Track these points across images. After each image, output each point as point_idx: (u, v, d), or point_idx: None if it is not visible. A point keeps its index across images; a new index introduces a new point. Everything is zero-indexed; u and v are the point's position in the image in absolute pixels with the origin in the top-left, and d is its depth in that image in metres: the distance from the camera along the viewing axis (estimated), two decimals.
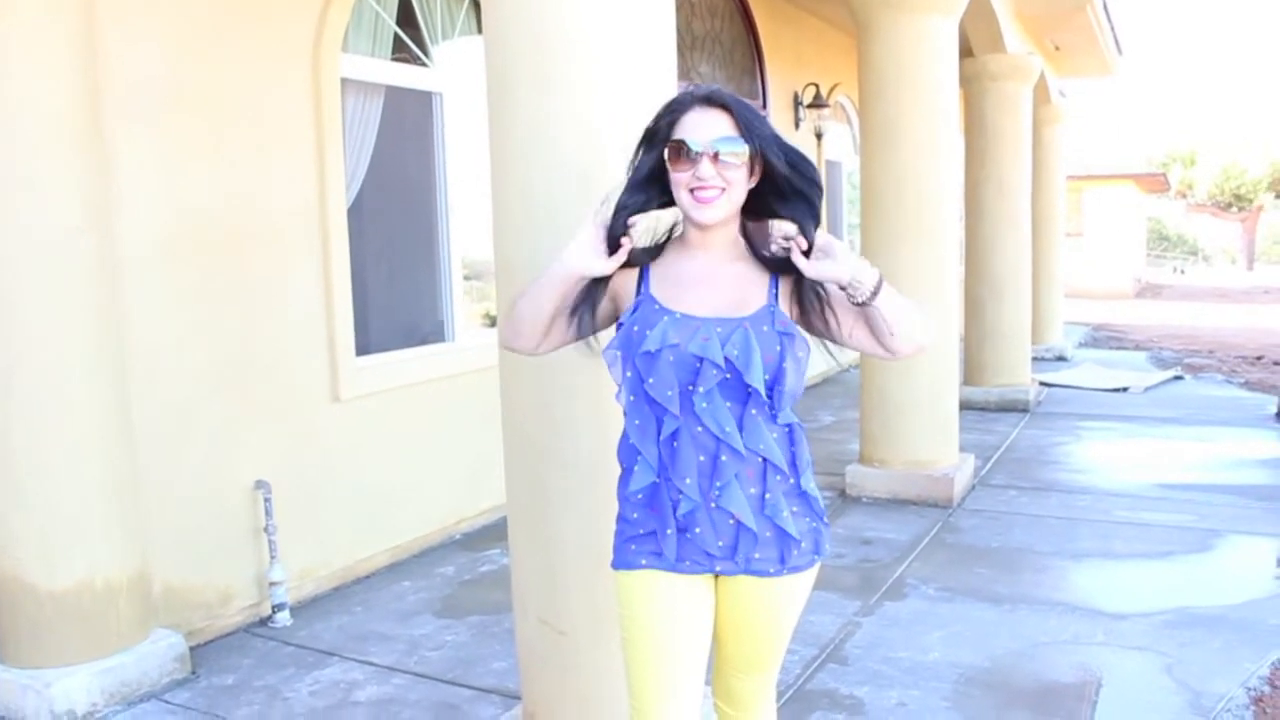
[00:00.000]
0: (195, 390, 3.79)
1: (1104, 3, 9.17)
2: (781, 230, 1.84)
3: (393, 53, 4.79)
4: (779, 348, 1.79)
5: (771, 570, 1.87)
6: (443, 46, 5.09)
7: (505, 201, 2.58)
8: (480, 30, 2.67)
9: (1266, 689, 3.24)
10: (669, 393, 1.79)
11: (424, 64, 4.97)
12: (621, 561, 1.92)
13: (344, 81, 4.43)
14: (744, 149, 1.78)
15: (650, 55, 2.51)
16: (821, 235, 1.79)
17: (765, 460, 1.82)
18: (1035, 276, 9.64)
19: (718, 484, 1.80)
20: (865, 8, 5.48)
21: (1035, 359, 9.39)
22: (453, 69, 5.12)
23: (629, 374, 1.84)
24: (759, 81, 8.34)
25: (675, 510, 1.83)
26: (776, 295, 1.85)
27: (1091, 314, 17.09)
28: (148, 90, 3.60)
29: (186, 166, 3.74)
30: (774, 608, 1.92)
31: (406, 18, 4.87)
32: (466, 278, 5.35)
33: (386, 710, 3.26)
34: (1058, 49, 10.17)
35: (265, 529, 4.00)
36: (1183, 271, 34.51)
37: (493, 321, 5.15)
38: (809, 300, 1.85)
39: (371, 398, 4.56)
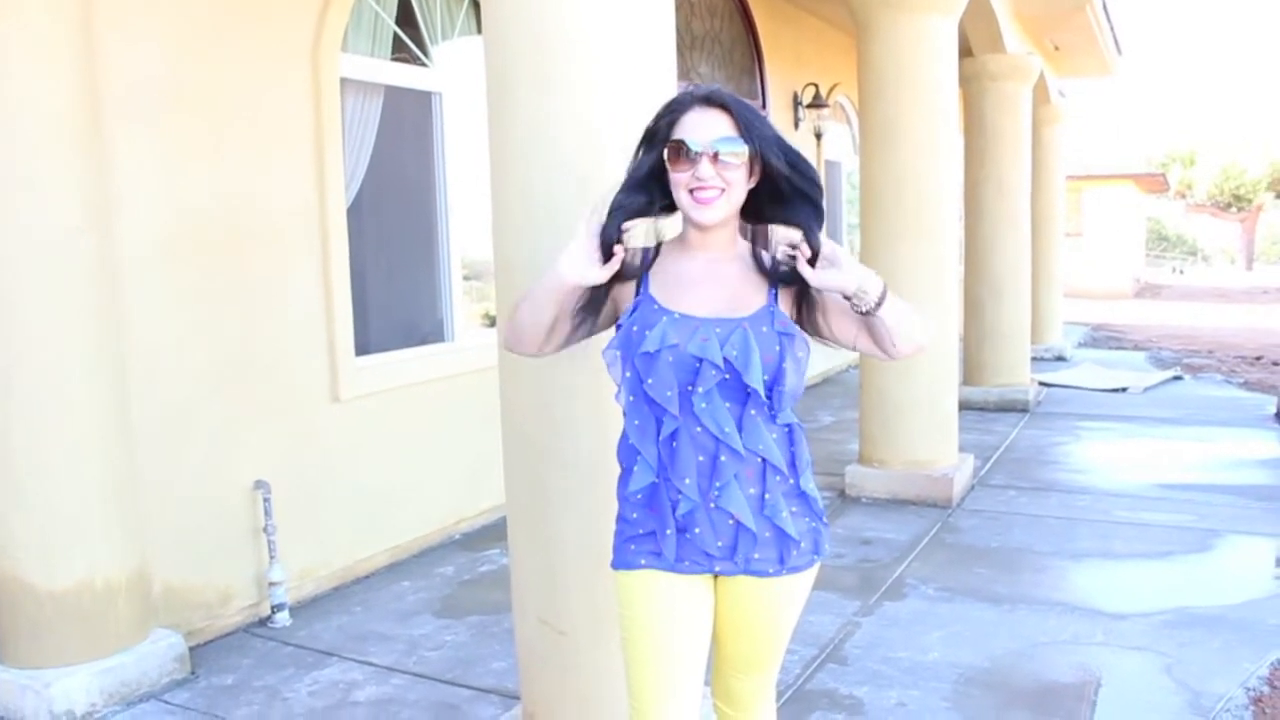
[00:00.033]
0: (195, 390, 3.79)
1: (1103, 3, 9.17)
2: (786, 238, 1.83)
3: (392, 53, 4.79)
4: (778, 348, 1.79)
5: (771, 570, 1.87)
6: (442, 46, 5.09)
7: (505, 201, 2.58)
8: (480, 30, 2.67)
9: (1266, 689, 3.24)
10: (668, 393, 1.79)
11: (423, 64, 4.97)
12: (621, 561, 1.92)
13: (343, 81, 4.43)
14: (744, 149, 1.77)
15: (650, 55, 2.51)
16: (827, 244, 1.77)
17: (764, 460, 1.81)
18: (1034, 276, 9.64)
19: (717, 484, 1.80)
20: (864, 7, 5.48)
21: (1034, 359, 9.39)
22: (452, 69, 5.12)
23: (628, 374, 1.84)
24: (758, 81, 8.34)
25: (675, 510, 1.83)
26: (776, 296, 1.85)
27: (1091, 314, 17.10)
28: (147, 90, 3.60)
29: (186, 166, 3.74)
30: (773, 608, 1.93)
31: (406, 18, 4.87)
32: (466, 278, 5.35)
33: (386, 710, 3.26)
34: (1057, 49, 10.17)
35: (265, 529, 4.00)
36: (1182, 272, 34.52)
37: (492, 321, 5.15)
38: (809, 302, 1.85)
39: (371, 398, 4.56)
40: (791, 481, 1.86)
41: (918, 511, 5.30)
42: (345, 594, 4.32)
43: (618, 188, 1.85)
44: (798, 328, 1.85)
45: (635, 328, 1.82)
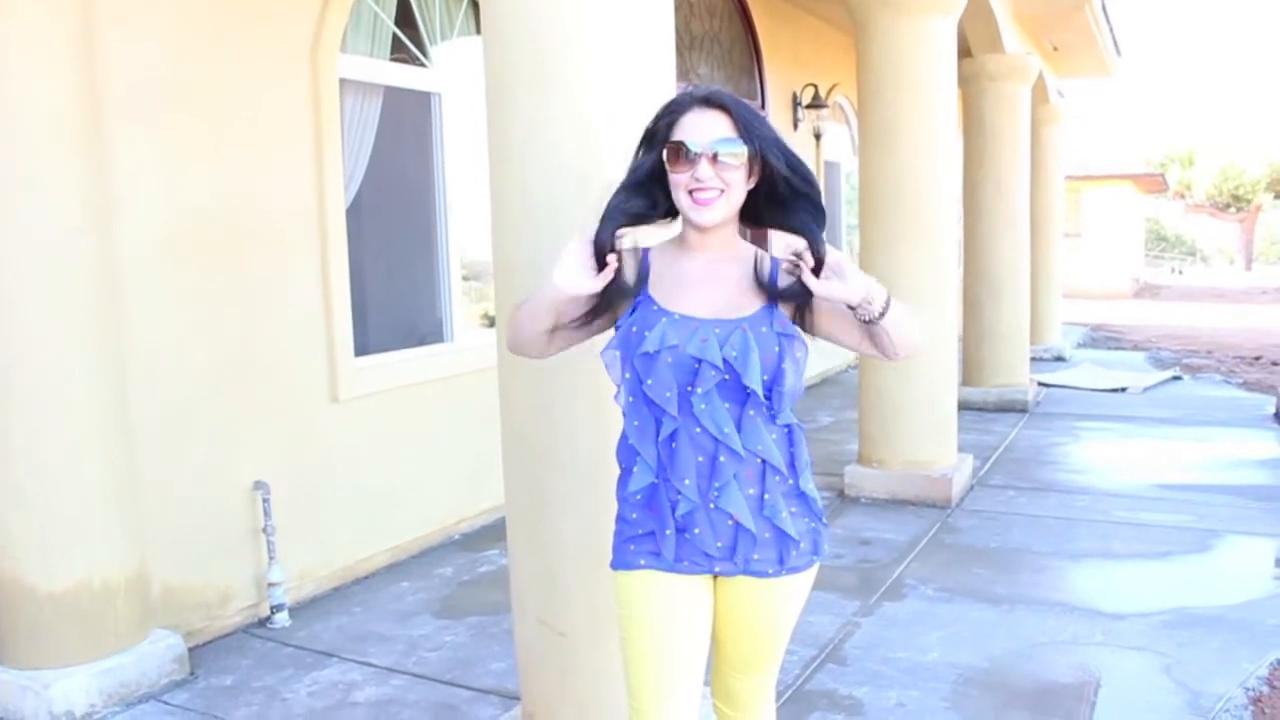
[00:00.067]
0: (195, 390, 3.79)
1: (1102, 3, 9.18)
2: (790, 247, 1.81)
3: (391, 53, 4.79)
4: (778, 349, 1.79)
5: (770, 571, 1.87)
6: (441, 47, 5.10)
7: (504, 201, 2.58)
8: (479, 30, 2.67)
9: (1265, 689, 3.24)
10: (667, 394, 1.79)
11: (422, 64, 4.97)
12: (620, 562, 1.92)
13: (342, 82, 4.43)
14: (743, 150, 1.77)
15: (649, 55, 2.51)
16: (832, 254, 1.76)
17: (764, 461, 1.82)
18: (1034, 277, 9.64)
19: (716, 485, 1.80)
20: (864, 8, 5.49)
21: (1033, 359, 9.39)
22: (451, 69, 5.12)
23: (628, 375, 1.84)
24: (757, 82, 8.34)
25: (674, 511, 1.83)
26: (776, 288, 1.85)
27: (1090, 314, 17.11)
28: (147, 90, 3.60)
29: (186, 166, 3.74)
30: (773, 608, 1.93)
31: (405, 18, 4.87)
32: (465, 278, 5.35)
33: (385, 711, 3.26)
34: (1056, 49, 10.18)
35: (264, 529, 4.00)
36: (1181, 272, 34.54)
37: (492, 322, 5.15)
38: (809, 305, 1.85)
39: (370, 398, 4.56)
40: (791, 482, 1.86)
41: (917, 512, 5.31)
42: (345, 594, 4.32)
43: (615, 188, 1.85)
44: (797, 328, 1.85)
45: (635, 328, 1.82)
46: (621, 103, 2.41)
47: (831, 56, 9.54)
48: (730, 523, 1.82)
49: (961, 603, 4.04)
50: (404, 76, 4.86)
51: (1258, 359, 11.20)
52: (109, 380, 3.30)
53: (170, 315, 3.70)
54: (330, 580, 4.37)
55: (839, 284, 1.75)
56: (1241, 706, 3.13)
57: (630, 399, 1.85)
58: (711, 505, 1.81)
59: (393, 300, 5.08)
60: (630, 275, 1.86)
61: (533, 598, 2.68)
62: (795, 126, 8.97)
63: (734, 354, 1.76)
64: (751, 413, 1.80)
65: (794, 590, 1.92)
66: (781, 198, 1.82)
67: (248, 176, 3.97)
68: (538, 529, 2.63)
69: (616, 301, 1.87)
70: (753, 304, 1.83)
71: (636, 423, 1.84)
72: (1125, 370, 10.30)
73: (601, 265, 1.79)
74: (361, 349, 4.56)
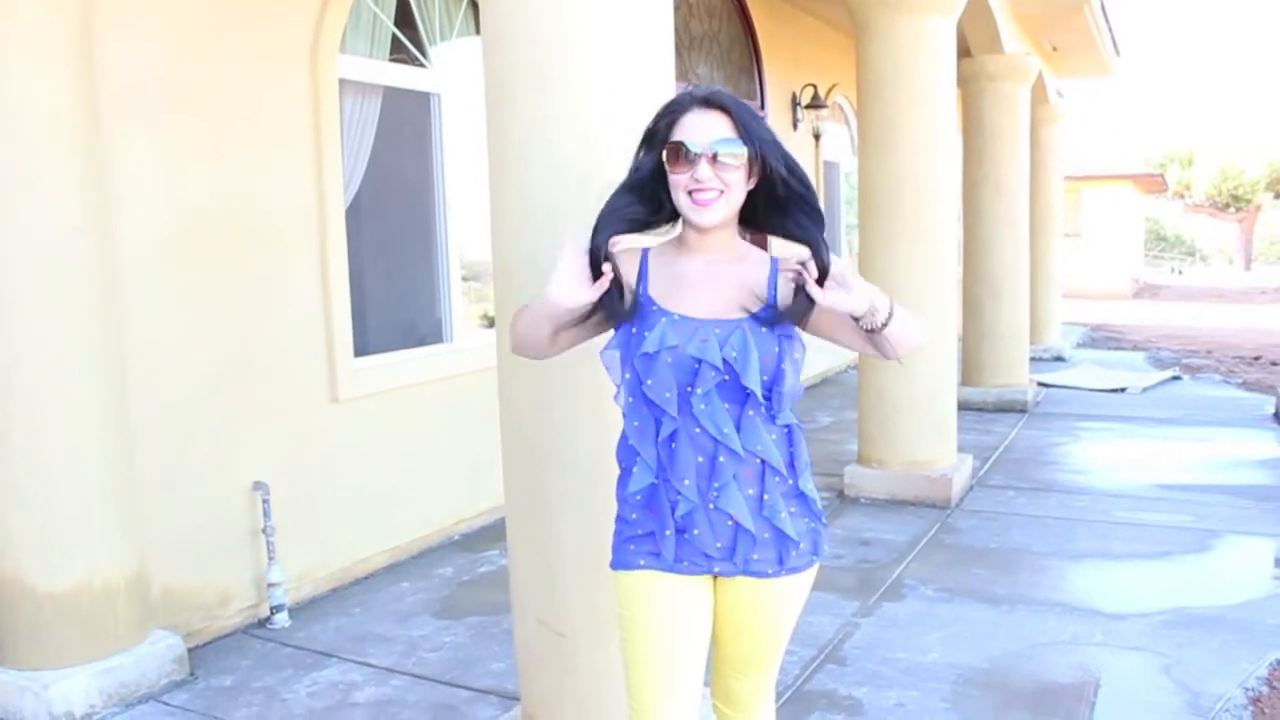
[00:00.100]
0: (195, 390, 3.79)
1: (1102, 3, 9.18)
2: (794, 256, 1.80)
3: (391, 53, 4.79)
4: (777, 349, 1.79)
5: (770, 571, 1.87)
6: (441, 47, 5.10)
7: (503, 202, 2.58)
8: (478, 31, 2.67)
9: (1264, 689, 3.25)
10: (667, 394, 1.79)
11: (422, 65, 4.97)
12: (620, 562, 1.92)
13: (342, 82, 4.43)
14: (743, 151, 1.77)
15: (648, 55, 2.51)
16: (836, 263, 1.74)
17: (763, 461, 1.82)
18: (1033, 277, 9.65)
19: (716, 485, 1.80)
20: (863, 8, 5.49)
21: (1033, 359, 9.39)
22: (451, 69, 5.12)
23: (627, 375, 1.84)
24: (757, 82, 8.34)
25: (674, 511, 1.83)
26: (775, 297, 1.85)
27: (1089, 314, 17.11)
28: (147, 90, 3.60)
29: (186, 166, 3.74)
30: (772, 609, 1.93)
31: (404, 18, 4.87)
32: (465, 278, 5.35)
33: (385, 711, 3.26)
34: (1055, 49, 10.18)
35: (264, 530, 4.00)
36: (1180, 272, 34.55)
37: (491, 322, 5.15)
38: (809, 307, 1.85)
39: (370, 398, 4.56)
40: (790, 482, 1.86)
41: (916, 512, 5.31)
42: (344, 595, 4.32)
43: (615, 189, 1.85)
44: (796, 329, 1.85)
45: (634, 329, 1.82)
46: (621, 103, 2.41)
47: (831, 56, 9.54)
48: (730, 523, 1.82)
49: (961, 603, 4.04)
50: (403, 77, 4.86)
51: (1257, 359, 11.20)
52: (109, 380, 3.30)
53: (170, 315, 3.70)
54: (330, 581, 4.37)
55: (844, 295, 1.74)
56: (1241, 706, 3.13)
57: (630, 399, 1.85)
58: (711, 505, 1.81)
59: (392, 300, 5.08)
60: (630, 278, 1.86)
61: (532, 598, 2.68)
62: (795, 127, 8.96)
63: (734, 354, 1.76)
64: (751, 413, 1.80)
65: (794, 590, 1.92)
66: (780, 200, 1.82)
67: (247, 176, 3.97)
68: (538, 529, 2.63)
69: (615, 305, 1.87)
70: (752, 304, 1.83)
71: (636, 423, 1.85)
72: (1125, 370, 10.30)
73: (597, 273, 1.79)
74: (361, 349, 4.57)
